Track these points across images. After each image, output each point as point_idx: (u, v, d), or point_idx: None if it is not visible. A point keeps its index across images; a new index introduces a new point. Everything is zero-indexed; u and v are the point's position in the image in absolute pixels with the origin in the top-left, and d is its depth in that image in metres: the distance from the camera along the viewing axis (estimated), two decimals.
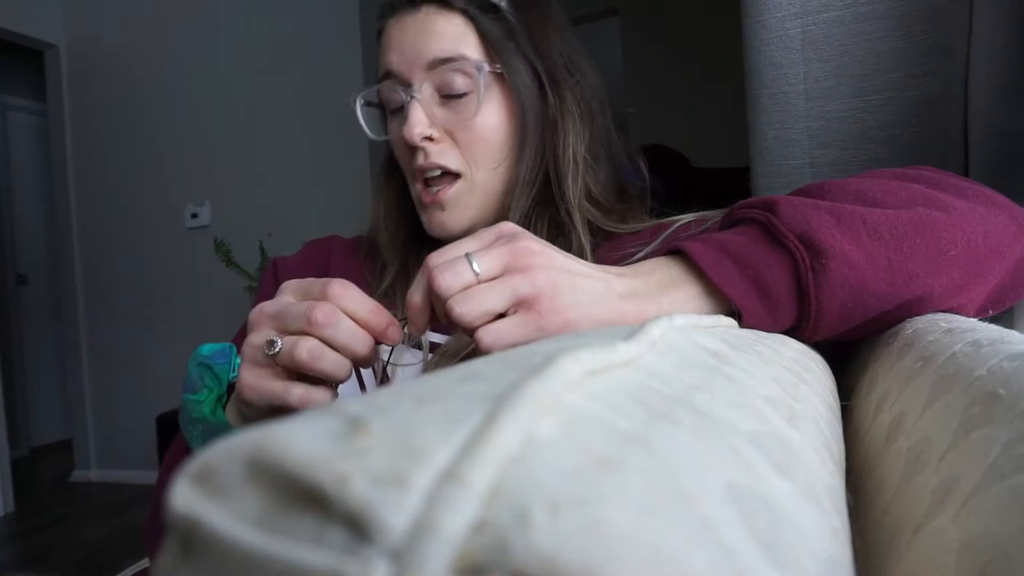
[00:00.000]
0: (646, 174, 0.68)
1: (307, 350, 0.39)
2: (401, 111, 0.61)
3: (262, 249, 2.69)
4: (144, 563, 0.91)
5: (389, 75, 0.60)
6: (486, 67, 0.59)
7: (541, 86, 0.61)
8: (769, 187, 0.70)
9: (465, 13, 0.59)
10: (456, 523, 0.11)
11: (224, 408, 0.48)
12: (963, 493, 0.21)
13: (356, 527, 0.11)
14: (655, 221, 0.65)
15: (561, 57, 0.63)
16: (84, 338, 3.23)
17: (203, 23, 2.91)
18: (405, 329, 0.43)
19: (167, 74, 2.98)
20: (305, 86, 2.71)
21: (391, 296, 0.64)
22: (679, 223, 0.62)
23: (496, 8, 0.60)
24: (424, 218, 0.63)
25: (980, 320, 0.38)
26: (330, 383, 0.42)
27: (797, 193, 0.44)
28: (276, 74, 2.77)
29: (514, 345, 0.36)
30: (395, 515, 0.11)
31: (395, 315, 0.43)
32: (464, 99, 0.59)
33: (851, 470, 0.33)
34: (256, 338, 0.41)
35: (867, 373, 0.42)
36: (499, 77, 0.60)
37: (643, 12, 2.78)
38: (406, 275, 0.66)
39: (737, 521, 0.14)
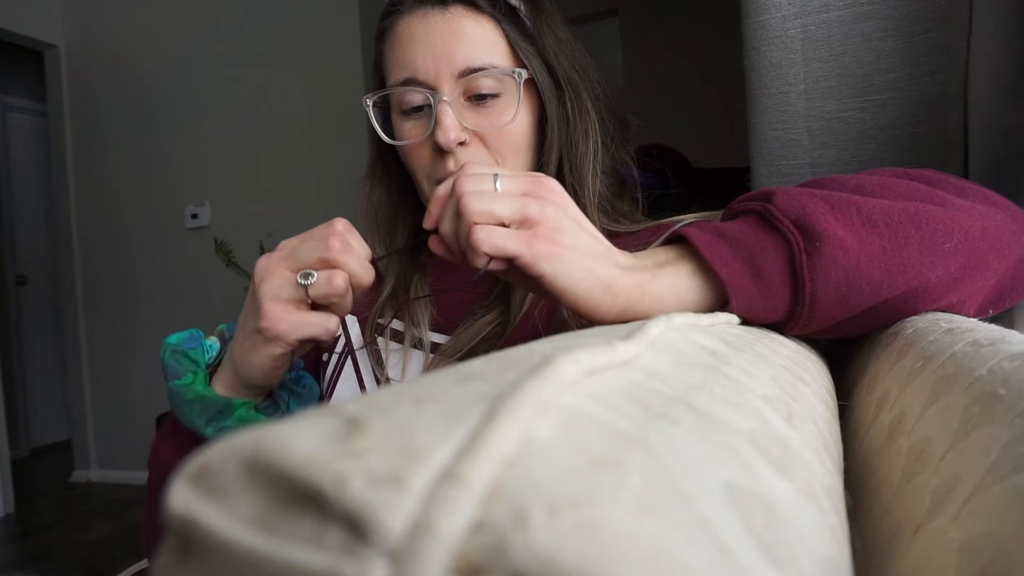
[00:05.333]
0: (635, 172, 0.68)
1: (343, 279, 0.44)
2: (419, 111, 0.59)
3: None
4: (144, 563, 0.91)
5: (411, 79, 0.57)
6: (524, 74, 0.58)
7: (559, 88, 0.61)
8: None
9: (493, 17, 0.58)
10: (454, 523, 0.11)
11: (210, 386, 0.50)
12: (963, 493, 0.21)
13: (354, 527, 0.11)
14: (655, 222, 0.65)
15: (569, 58, 0.63)
16: (84, 338, 3.23)
17: (203, 23, 2.91)
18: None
19: (167, 74, 2.98)
20: (305, 86, 2.71)
21: (392, 300, 0.64)
22: (679, 224, 0.62)
23: (515, 10, 0.59)
24: None
25: (980, 320, 0.38)
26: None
27: (799, 187, 0.44)
28: (276, 74, 2.77)
29: (500, 250, 0.38)
30: (393, 515, 0.11)
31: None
32: (493, 101, 0.58)
33: (851, 470, 0.33)
34: (276, 279, 0.44)
35: (867, 373, 0.41)
36: (527, 81, 0.59)
37: (642, 12, 2.78)
38: (405, 284, 0.65)
39: (735, 520, 0.14)
